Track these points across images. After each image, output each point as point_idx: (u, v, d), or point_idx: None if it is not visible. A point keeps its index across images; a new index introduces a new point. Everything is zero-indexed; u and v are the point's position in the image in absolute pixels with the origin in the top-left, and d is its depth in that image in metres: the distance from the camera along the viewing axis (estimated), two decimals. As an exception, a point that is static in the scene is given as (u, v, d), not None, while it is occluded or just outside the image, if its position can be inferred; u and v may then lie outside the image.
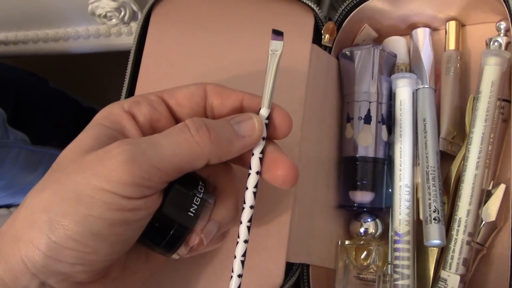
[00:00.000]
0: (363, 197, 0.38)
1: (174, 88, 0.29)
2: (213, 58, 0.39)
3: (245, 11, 0.41)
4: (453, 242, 0.34)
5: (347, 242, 0.39)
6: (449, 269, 0.34)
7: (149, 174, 0.24)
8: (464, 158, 0.35)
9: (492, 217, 0.35)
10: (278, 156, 0.28)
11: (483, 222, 0.35)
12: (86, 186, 0.23)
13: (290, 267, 0.35)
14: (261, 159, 0.28)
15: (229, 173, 0.30)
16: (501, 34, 0.37)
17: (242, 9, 0.41)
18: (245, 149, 0.28)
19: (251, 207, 0.28)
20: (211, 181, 0.28)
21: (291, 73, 0.38)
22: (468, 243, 0.34)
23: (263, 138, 0.28)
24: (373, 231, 0.39)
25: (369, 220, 0.39)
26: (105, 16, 0.53)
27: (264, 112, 0.28)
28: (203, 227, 0.27)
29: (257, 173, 0.28)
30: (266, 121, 0.28)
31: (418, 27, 0.42)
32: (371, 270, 0.38)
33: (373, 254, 0.37)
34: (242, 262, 0.27)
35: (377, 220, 0.39)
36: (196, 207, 0.26)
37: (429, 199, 0.35)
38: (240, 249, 0.27)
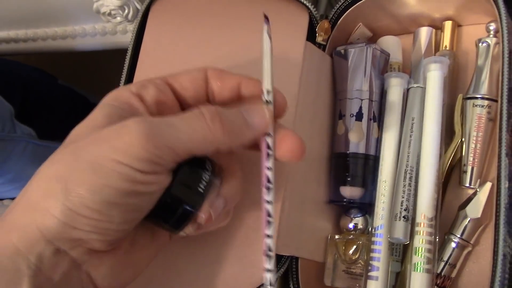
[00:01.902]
0: (353, 192, 0.39)
1: (176, 73, 0.31)
2: (210, 54, 0.40)
3: (241, 8, 0.41)
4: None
5: (336, 237, 0.40)
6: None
7: (163, 153, 0.25)
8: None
9: (478, 214, 0.35)
10: (284, 133, 0.30)
11: (469, 219, 0.35)
12: (102, 158, 0.24)
13: (279, 259, 0.36)
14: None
15: (232, 155, 0.31)
16: (491, 35, 0.38)
17: (238, 6, 0.41)
18: (255, 140, 0.29)
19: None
20: (216, 162, 0.30)
21: (285, 70, 0.39)
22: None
23: None
24: (362, 226, 0.39)
25: (358, 215, 0.40)
26: (109, 14, 0.54)
27: (270, 98, 0.30)
28: (211, 205, 0.28)
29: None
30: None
31: (413, 27, 0.42)
32: (359, 264, 0.38)
33: (362, 248, 0.38)
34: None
35: (367, 216, 0.40)
36: (203, 186, 0.28)
37: (402, 197, 0.35)
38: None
